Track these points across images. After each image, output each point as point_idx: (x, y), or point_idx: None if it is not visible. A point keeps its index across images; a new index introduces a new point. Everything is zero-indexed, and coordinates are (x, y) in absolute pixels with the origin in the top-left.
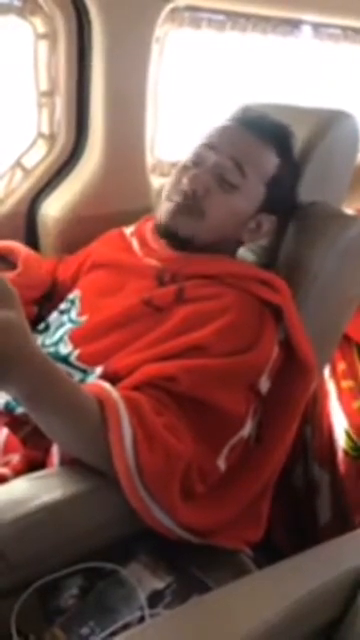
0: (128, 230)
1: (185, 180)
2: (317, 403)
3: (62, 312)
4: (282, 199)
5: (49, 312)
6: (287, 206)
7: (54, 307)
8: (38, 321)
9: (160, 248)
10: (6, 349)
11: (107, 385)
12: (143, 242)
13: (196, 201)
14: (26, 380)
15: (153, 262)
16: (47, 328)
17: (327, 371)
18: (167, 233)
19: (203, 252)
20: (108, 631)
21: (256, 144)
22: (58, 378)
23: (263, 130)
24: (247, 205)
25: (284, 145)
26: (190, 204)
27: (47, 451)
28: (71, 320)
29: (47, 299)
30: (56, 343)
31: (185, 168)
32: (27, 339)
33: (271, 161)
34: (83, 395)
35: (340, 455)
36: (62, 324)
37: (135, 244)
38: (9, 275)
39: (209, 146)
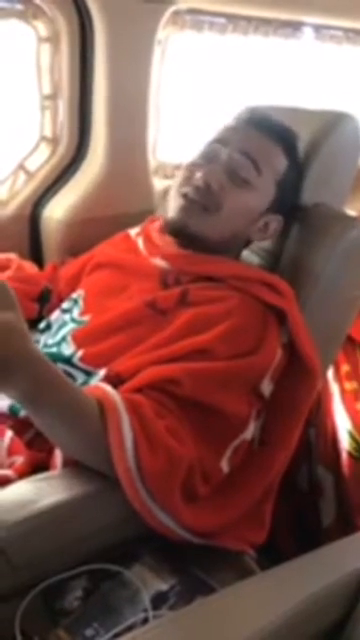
0: (133, 231)
1: (198, 175)
2: (321, 405)
3: (64, 311)
4: (288, 200)
5: (49, 312)
6: (290, 207)
7: (54, 307)
8: (39, 320)
9: (165, 245)
10: (6, 351)
11: (108, 387)
12: (148, 241)
13: (211, 196)
14: (25, 382)
15: (157, 261)
16: (49, 327)
17: (331, 373)
18: (177, 228)
19: (208, 252)
20: (112, 632)
21: (268, 143)
22: (57, 380)
23: (272, 131)
24: (259, 203)
25: (291, 147)
26: (204, 199)
27: (51, 453)
28: (74, 320)
29: (46, 298)
30: (59, 343)
31: (196, 164)
32: (26, 341)
33: (281, 161)
34: (83, 397)
35: (344, 457)
36: (64, 323)
37: (140, 244)
38: (4, 274)
39: (221, 142)
